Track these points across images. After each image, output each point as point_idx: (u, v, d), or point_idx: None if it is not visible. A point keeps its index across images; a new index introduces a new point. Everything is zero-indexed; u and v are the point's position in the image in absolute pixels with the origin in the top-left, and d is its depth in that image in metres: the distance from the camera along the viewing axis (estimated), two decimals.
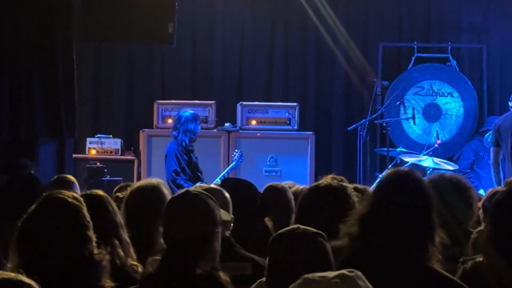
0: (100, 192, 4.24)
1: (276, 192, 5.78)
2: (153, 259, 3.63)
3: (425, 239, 3.53)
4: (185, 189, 3.88)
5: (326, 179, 4.65)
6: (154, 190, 4.85)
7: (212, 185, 4.85)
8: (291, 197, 5.76)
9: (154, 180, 5.01)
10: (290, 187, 6.22)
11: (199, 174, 10.41)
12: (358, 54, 12.74)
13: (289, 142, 11.57)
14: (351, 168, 12.14)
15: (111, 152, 11.48)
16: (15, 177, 6.27)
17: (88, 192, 4.34)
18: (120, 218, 4.18)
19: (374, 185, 4.10)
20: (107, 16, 9.48)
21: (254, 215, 5.06)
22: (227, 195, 4.59)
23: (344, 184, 4.45)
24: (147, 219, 4.64)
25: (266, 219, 5.32)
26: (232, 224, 4.57)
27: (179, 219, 3.65)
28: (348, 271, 2.42)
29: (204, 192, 3.82)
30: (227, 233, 4.51)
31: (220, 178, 10.33)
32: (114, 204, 4.19)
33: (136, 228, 4.55)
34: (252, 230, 4.87)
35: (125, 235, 4.15)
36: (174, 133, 10.45)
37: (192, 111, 10.64)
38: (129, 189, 4.99)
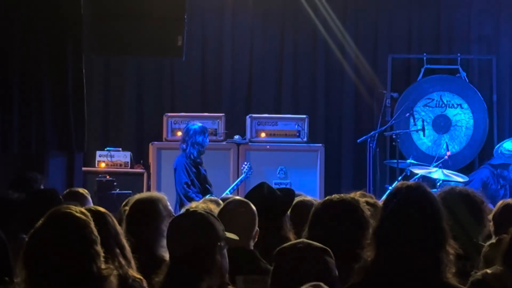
0: (100, 208, 4.24)
1: (307, 209, 5.53)
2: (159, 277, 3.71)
3: (437, 251, 3.56)
4: (186, 208, 4.05)
5: (355, 195, 4.67)
6: (148, 203, 4.93)
7: (239, 197, 4.90)
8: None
9: (154, 194, 5.09)
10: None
11: (208, 186, 10.40)
12: (367, 66, 12.77)
13: (299, 154, 11.55)
14: (360, 180, 12.07)
15: (120, 165, 11.47)
16: (34, 191, 6.29)
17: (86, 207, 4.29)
18: (119, 228, 4.21)
19: (383, 198, 4.07)
20: (117, 29, 9.45)
21: (268, 224, 4.98)
22: (253, 208, 4.62)
23: (357, 198, 4.46)
24: (144, 232, 4.74)
25: (289, 229, 5.26)
26: (256, 237, 4.60)
27: (179, 235, 3.75)
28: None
29: (205, 210, 3.92)
30: (252, 246, 4.54)
31: (230, 191, 10.43)
32: (113, 217, 4.22)
33: (134, 241, 4.55)
34: (266, 239, 4.82)
35: (126, 243, 4.18)
36: (183, 145, 10.46)
37: (200, 124, 10.66)
38: (129, 203, 5.08)
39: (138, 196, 5.08)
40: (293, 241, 3.58)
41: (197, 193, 10.16)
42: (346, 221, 4.15)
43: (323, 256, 3.43)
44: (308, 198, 6.12)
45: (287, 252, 3.44)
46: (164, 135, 11.60)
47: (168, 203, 5.05)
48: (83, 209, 3.44)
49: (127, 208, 5.23)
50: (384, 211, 3.71)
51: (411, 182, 3.85)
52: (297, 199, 5.72)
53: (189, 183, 10.25)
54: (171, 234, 3.80)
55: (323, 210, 4.31)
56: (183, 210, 5.02)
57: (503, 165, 11.45)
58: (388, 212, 3.68)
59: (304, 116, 11.85)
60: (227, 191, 10.31)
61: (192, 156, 10.36)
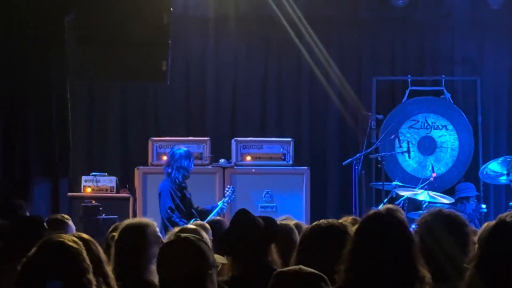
0: (83, 235, 4.23)
1: (285, 233, 5.63)
2: None
3: (408, 276, 3.65)
4: (176, 232, 4.05)
5: (346, 220, 4.69)
6: (137, 229, 4.95)
7: (186, 235, 4.57)
8: (296, 237, 5.59)
9: (144, 220, 5.08)
10: (290, 224, 6.06)
11: (193, 211, 10.40)
12: (352, 89, 12.79)
13: (284, 177, 11.57)
14: (346, 203, 12.11)
15: (106, 190, 11.49)
16: (18, 218, 6.36)
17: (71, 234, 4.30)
18: (103, 255, 4.19)
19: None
20: (100, 55, 9.33)
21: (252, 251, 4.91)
22: (204, 234, 4.75)
23: (345, 223, 4.48)
24: (133, 258, 4.78)
25: (275, 253, 5.18)
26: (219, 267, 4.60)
27: (171, 261, 3.75)
28: None
29: (196, 237, 3.91)
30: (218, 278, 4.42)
31: (214, 214, 10.28)
32: (97, 244, 4.22)
33: (124, 267, 4.68)
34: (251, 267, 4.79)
35: (110, 271, 4.15)
36: (168, 169, 10.46)
37: (185, 149, 10.64)
38: (119, 228, 5.10)
39: (127, 222, 5.11)
40: (291, 267, 3.61)
41: (181, 218, 10.17)
42: (334, 247, 4.13)
43: (319, 283, 3.46)
44: (294, 222, 6.26)
45: (284, 277, 3.48)
46: (150, 160, 11.61)
47: (158, 229, 5.05)
48: (75, 238, 3.47)
49: (115, 233, 5.24)
50: (356, 237, 3.80)
51: (382, 208, 3.93)
52: (280, 223, 5.63)
53: (174, 207, 10.25)
54: (162, 260, 3.78)
55: (311, 236, 4.34)
56: (167, 236, 5.21)
57: (461, 199, 11.41)
58: (359, 238, 3.77)
59: (289, 139, 11.86)
60: (212, 215, 10.18)
61: (177, 181, 10.37)
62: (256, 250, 4.80)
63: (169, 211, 10.22)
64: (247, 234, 4.81)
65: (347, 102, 12.83)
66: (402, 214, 4.03)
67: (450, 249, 4.37)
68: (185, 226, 5.82)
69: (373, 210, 3.92)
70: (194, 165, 10.75)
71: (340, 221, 4.55)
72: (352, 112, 12.81)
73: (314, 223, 4.44)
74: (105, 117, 12.91)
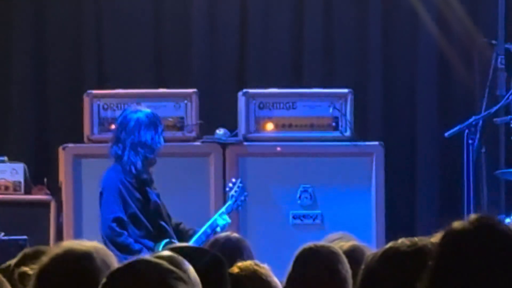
0: None
1: (319, 261, 5.95)
2: None
3: None
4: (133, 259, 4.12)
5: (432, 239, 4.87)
6: (77, 262, 4.90)
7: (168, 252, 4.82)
8: (346, 270, 5.88)
9: (86, 244, 5.02)
10: (342, 247, 6.33)
11: (163, 224, 10.24)
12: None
13: (338, 161, 11.47)
14: (451, 206, 12.19)
15: (6, 187, 11.62)
16: None
17: None
18: None
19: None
20: None
21: None
22: (188, 266, 4.58)
23: None
24: None
25: None
26: None
27: None
28: None
29: (165, 265, 4.00)
30: None
31: (206, 235, 10.30)
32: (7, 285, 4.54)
33: None
34: None
35: None
36: (116, 149, 10.33)
37: (148, 110, 10.54)
38: (41, 261, 4.97)
39: (54, 251, 4.96)
40: None
41: (140, 238, 10.17)
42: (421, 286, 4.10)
43: None
44: (349, 243, 6.58)
45: None
46: (86, 131, 11.50)
47: (114, 257, 4.92)
48: None
49: (26, 269, 5.34)
50: (438, 261, 3.93)
51: (475, 217, 4.01)
52: (309, 246, 6.01)
53: (125, 219, 10.09)
54: None
55: (382, 269, 4.42)
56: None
57: None
58: (442, 267, 3.91)
59: (346, 90, 11.54)
60: (197, 236, 10.17)
61: (133, 169, 10.23)
62: None
63: (114, 225, 10.08)
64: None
65: (452, 25, 12.75)
66: None
67: None
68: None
69: (475, 216, 4.01)
70: (167, 141, 10.67)
71: (434, 240, 4.53)
72: (460, 41, 12.74)
73: (388, 245, 4.50)
74: (6, 56, 12.88)
